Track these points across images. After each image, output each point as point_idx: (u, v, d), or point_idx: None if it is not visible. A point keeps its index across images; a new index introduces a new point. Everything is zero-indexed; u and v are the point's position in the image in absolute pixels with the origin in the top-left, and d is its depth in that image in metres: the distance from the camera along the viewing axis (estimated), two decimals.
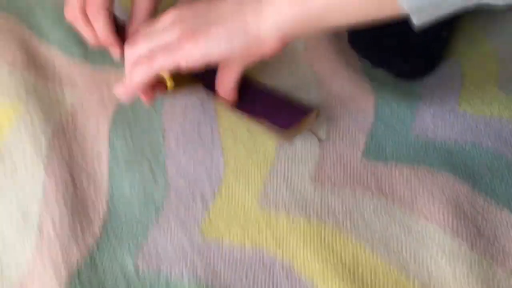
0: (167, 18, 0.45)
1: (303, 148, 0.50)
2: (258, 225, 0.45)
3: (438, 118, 0.53)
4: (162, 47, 0.44)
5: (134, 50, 0.45)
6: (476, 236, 0.43)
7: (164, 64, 0.44)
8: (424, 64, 0.57)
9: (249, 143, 0.51)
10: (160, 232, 0.44)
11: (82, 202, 0.46)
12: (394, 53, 0.57)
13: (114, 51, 0.51)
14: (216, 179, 0.48)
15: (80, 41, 0.58)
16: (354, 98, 0.55)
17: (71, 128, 0.51)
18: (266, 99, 0.53)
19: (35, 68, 0.56)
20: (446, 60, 0.59)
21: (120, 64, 0.55)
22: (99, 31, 0.49)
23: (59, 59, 0.57)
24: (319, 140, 0.51)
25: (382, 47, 0.57)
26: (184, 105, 0.54)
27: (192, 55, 0.43)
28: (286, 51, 0.60)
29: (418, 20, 0.37)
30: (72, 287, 0.41)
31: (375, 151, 0.50)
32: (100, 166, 0.49)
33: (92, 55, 0.57)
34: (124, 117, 0.53)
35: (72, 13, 0.49)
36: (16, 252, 0.43)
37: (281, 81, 0.56)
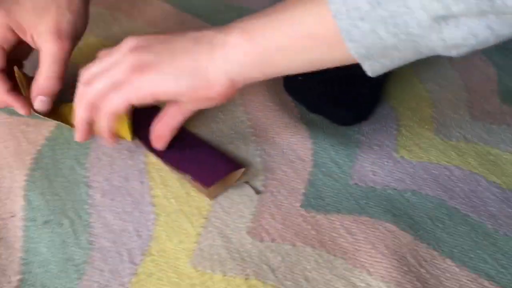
0: (122, 47, 0.43)
1: (239, 200, 0.48)
2: None
3: (376, 165, 0.52)
4: (114, 84, 0.42)
5: (90, 89, 0.43)
6: None
7: (118, 103, 0.42)
8: (359, 110, 0.57)
9: (181, 196, 0.47)
10: None
11: None
12: (327, 100, 0.56)
13: (19, 109, 0.49)
14: (146, 236, 0.44)
15: None
16: (291, 147, 0.53)
17: None
18: (194, 151, 0.50)
19: None
20: (382, 105, 0.59)
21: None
22: None
23: None
24: (257, 192, 0.48)
25: (315, 93, 0.57)
26: (111, 156, 0.50)
27: (139, 88, 0.41)
28: None
29: (370, 69, 0.37)
30: None
31: (314, 201, 0.48)
32: (14, 227, 0.44)
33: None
34: (44, 170, 0.49)
35: None
36: None
37: (216, 131, 0.54)
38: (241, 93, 0.58)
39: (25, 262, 0.42)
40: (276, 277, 0.42)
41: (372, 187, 0.50)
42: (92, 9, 0.53)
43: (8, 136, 0.51)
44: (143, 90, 0.42)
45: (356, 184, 0.50)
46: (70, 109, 0.49)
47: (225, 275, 0.42)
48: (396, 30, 0.34)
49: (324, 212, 0.47)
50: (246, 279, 0.42)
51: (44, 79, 0.48)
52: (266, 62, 0.40)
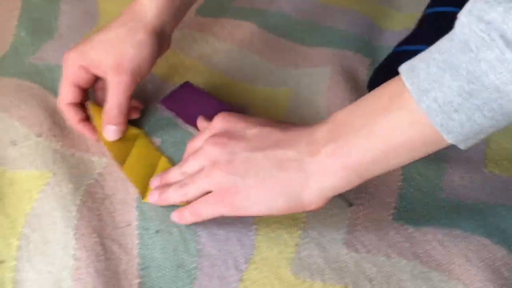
0: (205, 154, 0.46)
1: (333, 213, 0.50)
2: None
3: (465, 179, 0.53)
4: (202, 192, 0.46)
5: (180, 191, 0.48)
6: None
7: (208, 214, 0.46)
8: None
9: None
10: None
11: (115, 273, 0.45)
12: None
13: (89, 137, 0.56)
14: (249, 245, 0.48)
15: None
16: None
17: (100, 197, 0.51)
18: None
19: (62, 137, 0.56)
20: None
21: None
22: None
23: None
24: (349, 205, 0.51)
25: None
26: None
27: (230, 209, 0.44)
28: (308, 113, 0.61)
29: (465, 146, 0.37)
30: None
31: (406, 214, 0.50)
32: (131, 235, 0.49)
33: None
34: None
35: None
36: None
37: None
38: (327, 107, 0.61)
39: (142, 267, 0.46)
40: (373, 286, 0.45)
41: (462, 201, 0.51)
42: (184, 31, 0.57)
43: None
44: (232, 213, 0.44)
45: (447, 197, 0.52)
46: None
47: (325, 284, 0.45)
48: (492, 114, 0.34)
49: (416, 225, 0.49)
50: (345, 287, 0.44)
51: (109, 110, 0.53)
52: (363, 176, 0.41)
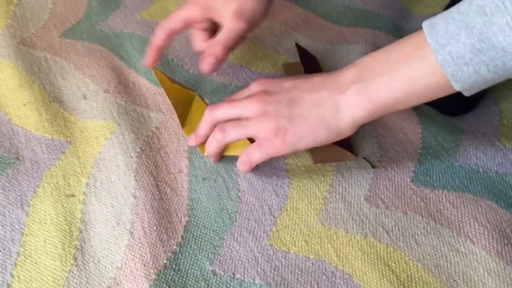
0: (251, 103, 0.46)
1: (358, 172, 0.50)
2: (320, 240, 0.45)
3: (479, 150, 0.53)
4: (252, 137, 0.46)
5: (224, 135, 0.47)
6: None
7: (258, 158, 0.46)
8: (465, 102, 0.57)
9: (310, 165, 0.51)
10: (234, 241, 0.45)
11: (167, 211, 0.47)
12: None
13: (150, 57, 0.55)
14: (282, 196, 0.49)
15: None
16: (403, 130, 0.55)
17: (156, 146, 0.53)
18: None
19: (126, 94, 0.58)
20: (486, 98, 0.59)
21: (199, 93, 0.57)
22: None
23: (146, 87, 0.59)
24: (373, 166, 0.51)
25: None
26: None
27: (281, 148, 0.45)
28: None
29: (468, 93, 0.40)
30: (159, 285, 0.41)
31: (423, 178, 0.50)
32: (182, 180, 0.50)
33: None
34: None
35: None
36: (111, 251, 0.44)
37: None
38: None
39: (190, 208, 0.47)
40: (390, 238, 0.45)
41: (475, 169, 0.51)
42: None
43: (173, 110, 0.56)
44: (284, 150, 0.45)
45: (460, 166, 0.51)
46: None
47: (347, 232, 0.45)
48: (495, 69, 0.36)
49: (432, 187, 0.49)
50: (365, 237, 0.45)
51: (216, 44, 0.52)
52: (387, 110, 0.43)
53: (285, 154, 0.46)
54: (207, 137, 0.49)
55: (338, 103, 0.43)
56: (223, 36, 0.52)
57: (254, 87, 0.48)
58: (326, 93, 0.44)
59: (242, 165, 0.48)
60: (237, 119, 0.46)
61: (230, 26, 0.52)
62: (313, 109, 0.44)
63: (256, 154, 0.46)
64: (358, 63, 0.44)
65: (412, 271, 0.42)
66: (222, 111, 0.48)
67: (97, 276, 0.42)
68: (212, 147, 0.48)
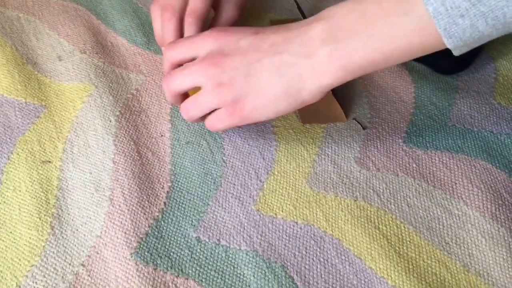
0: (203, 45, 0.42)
1: (348, 134, 0.48)
2: (308, 204, 0.43)
3: (474, 109, 0.50)
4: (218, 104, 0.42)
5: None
6: None
7: (222, 127, 0.43)
8: (460, 60, 0.54)
9: (298, 127, 0.49)
10: (219, 206, 0.43)
11: (148, 177, 0.45)
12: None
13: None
14: (269, 159, 0.46)
15: (143, 31, 0.57)
16: (395, 89, 0.52)
17: (136, 109, 0.50)
18: None
19: (104, 54, 0.54)
20: (481, 55, 0.56)
21: None
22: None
23: (125, 46, 0.56)
24: (363, 128, 0.49)
25: None
26: None
27: (241, 122, 0.41)
28: None
29: (458, 53, 0.35)
30: (140, 253, 0.39)
31: (415, 138, 0.48)
32: (164, 144, 0.47)
33: (154, 44, 0.56)
34: None
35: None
36: (90, 219, 0.42)
37: None
38: None
39: (173, 173, 0.45)
40: (381, 201, 0.43)
41: (469, 128, 0.49)
42: None
43: (154, 71, 0.54)
44: (244, 122, 0.41)
45: (454, 125, 0.49)
46: None
47: (336, 196, 0.44)
48: (494, 22, 0.32)
49: (424, 148, 0.47)
50: (355, 200, 0.43)
51: (219, 21, 0.51)
52: (357, 75, 0.38)
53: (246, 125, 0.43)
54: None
55: (302, 70, 0.38)
56: (225, 12, 0.51)
57: (208, 43, 0.41)
58: (289, 57, 0.38)
59: (209, 128, 0.44)
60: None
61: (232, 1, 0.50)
62: (273, 78, 0.39)
63: (217, 125, 0.42)
64: (328, 17, 0.37)
65: (403, 234, 0.41)
66: (176, 71, 0.43)
67: (75, 245, 0.40)
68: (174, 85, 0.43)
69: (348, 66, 0.37)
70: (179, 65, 0.44)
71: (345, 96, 0.51)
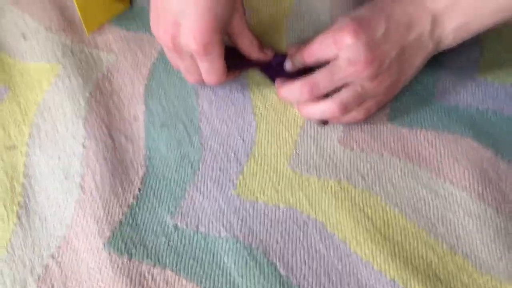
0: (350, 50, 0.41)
1: None
2: (291, 187, 0.41)
3: (459, 85, 0.49)
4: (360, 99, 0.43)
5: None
6: (501, 201, 0.40)
7: (360, 118, 0.44)
8: None
9: (279, 108, 0.47)
10: (197, 192, 0.41)
11: (122, 162, 0.42)
12: None
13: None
14: (249, 141, 0.44)
15: None
16: None
17: (108, 91, 0.47)
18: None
19: (71, 32, 0.51)
20: None
21: None
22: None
23: None
24: None
25: None
26: None
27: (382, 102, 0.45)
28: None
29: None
30: (114, 243, 0.37)
31: (400, 116, 0.46)
32: (138, 128, 0.45)
33: (126, 21, 0.53)
34: (158, 81, 0.49)
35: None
36: (60, 208, 0.39)
37: None
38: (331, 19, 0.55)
39: (148, 157, 0.43)
40: (366, 182, 0.42)
41: (454, 105, 0.47)
42: None
43: (127, 49, 0.51)
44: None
45: (439, 102, 0.47)
46: None
47: (320, 178, 0.42)
48: None
49: (409, 127, 0.46)
50: (339, 182, 0.42)
51: None
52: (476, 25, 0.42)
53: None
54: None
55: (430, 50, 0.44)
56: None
57: (355, 50, 0.40)
58: (422, 41, 0.43)
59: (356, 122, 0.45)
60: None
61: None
62: (416, 60, 0.44)
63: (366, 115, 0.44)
64: None
65: (388, 216, 0.40)
66: (325, 88, 0.42)
67: (44, 236, 0.38)
68: (322, 117, 0.44)
69: (465, 33, 0.42)
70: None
71: None
